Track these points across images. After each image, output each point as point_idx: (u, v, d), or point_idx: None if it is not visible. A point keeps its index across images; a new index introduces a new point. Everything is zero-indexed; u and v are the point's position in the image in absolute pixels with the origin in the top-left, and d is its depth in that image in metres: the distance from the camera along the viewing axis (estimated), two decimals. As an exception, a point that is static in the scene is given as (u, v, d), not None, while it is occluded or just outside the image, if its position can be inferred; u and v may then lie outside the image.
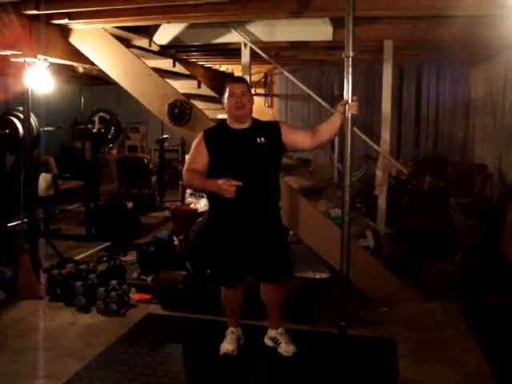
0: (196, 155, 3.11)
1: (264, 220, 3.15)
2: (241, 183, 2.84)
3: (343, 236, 2.97)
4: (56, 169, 8.05)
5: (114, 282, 4.16)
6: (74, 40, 4.58)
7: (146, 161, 8.10)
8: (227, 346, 3.31)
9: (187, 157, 3.26)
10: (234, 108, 3.05)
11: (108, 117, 6.10)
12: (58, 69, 7.28)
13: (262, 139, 3.08)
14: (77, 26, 4.43)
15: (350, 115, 2.91)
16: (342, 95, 2.99)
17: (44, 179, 6.23)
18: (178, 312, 4.00)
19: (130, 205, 6.82)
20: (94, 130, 6.06)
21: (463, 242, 5.32)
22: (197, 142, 3.14)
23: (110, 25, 4.42)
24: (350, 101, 2.90)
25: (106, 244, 5.87)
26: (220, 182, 2.85)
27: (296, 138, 3.16)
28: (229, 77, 8.42)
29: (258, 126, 3.19)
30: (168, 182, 8.87)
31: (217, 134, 3.18)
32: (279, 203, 3.23)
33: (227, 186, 2.83)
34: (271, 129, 3.16)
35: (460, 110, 7.71)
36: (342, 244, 2.97)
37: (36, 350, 3.44)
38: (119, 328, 3.76)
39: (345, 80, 2.90)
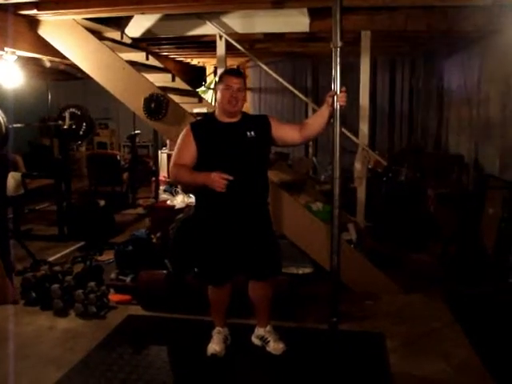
0: (183, 149, 2.98)
1: (254, 215, 3.06)
2: (231, 177, 2.74)
3: (333, 230, 2.90)
4: (24, 167, 7.79)
5: (92, 283, 4.01)
6: (43, 32, 4.39)
7: (118, 157, 7.91)
8: (214, 346, 3.20)
9: (173, 152, 3.09)
10: (227, 102, 2.93)
11: (79, 112, 5.88)
12: (24, 63, 7.05)
13: (252, 133, 2.99)
14: (46, 17, 4.25)
15: (338, 107, 2.84)
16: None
17: (13, 178, 6.02)
18: (160, 312, 3.88)
19: (101, 203, 6.63)
20: (65, 127, 5.85)
21: (442, 233, 5.35)
22: (183, 135, 3.01)
23: (80, 16, 4.26)
24: (338, 92, 2.82)
25: (80, 244, 5.69)
26: (212, 175, 2.76)
27: (285, 133, 3.08)
28: (201, 70, 8.31)
29: (248, 119, 3.10)
30: (140, 178, 8.69)
31: (205, 127, 3.06)
32: (268, 198, 3.14)
33: (218, 179, 2.73)
34: (260, 123, 3.08)
35: (434, 101, 7.74)
36: (332, 238, 2.90)
37: (12, 359, 3.25)
38: (100, 331, 3.62)
39: (333, 71, 2.82)
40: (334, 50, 2.77)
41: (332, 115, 2.87)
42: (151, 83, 4.33)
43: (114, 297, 4.14)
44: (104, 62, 4.32)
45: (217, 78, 3.42)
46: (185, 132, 3.01)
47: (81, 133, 5.83)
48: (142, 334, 3.61)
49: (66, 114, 5.74)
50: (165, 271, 4.02)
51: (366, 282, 4.18)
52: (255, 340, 3.34)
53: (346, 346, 3.21)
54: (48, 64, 6.72)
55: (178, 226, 4.14)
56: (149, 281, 4.01)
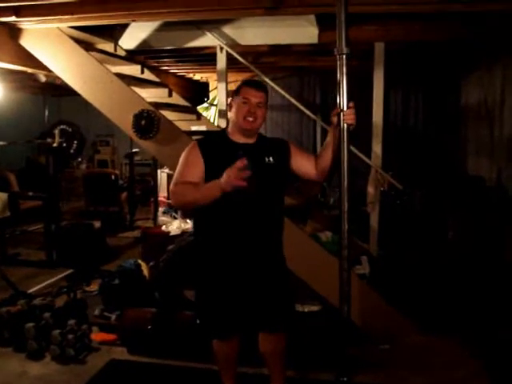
0: (189, 166, 2.43)
1: (269, 255, 2.58)
2: (249, 172, 2.16)
3: (342, 273, 2.43)
4: (17, 185, 7.44)
5: (71, 321, 3.57)
6: (25, 42, 4.00)
7: (113, 177, 7.52)
8: None
9: (175, 173, 2.51)
10: (243, 119, 2.44)
11: (70, 129, 5.49)
12: (18, 77, 6.71)
13: (271, 159, 2.50)
14: (28, 25, 3.86)
15: (345, 126, 2.37)
16: (335, 103, 2.43)
17: (-1, 199, 5.64)
18: (148, 357, 3.43)
19: (97, 224, 6.21)
20: (55, 145, 5.45)
21: (463, 265, 4.86)
22: (189, 153, 2.48)
23: (65, 24, 3.86)
24: (345, 108, 2.35)
25: (68, 272, 5.24)
26: (224, 175, 2.20)
27: (302, 165, 2.60)
28: (204, 86, 7.94)
29: (265, 142, 2.62)
30: (139, 197, 8.28)
31: (215, 146, 2.53)
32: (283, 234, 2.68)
33: (235, 176, 2.16)
34: (280, 148, 2.60)
35: (451, 119, 7.27)
36: (342, 283, 2.43)
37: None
38: (76, 379, 3.18)
39: (339, 83, 2.36)
40: (339, 57, 2.33)
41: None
42: (142, 98, 3.92)
43: (97, 336, 3.71)
44: (90, 74, 3.91)
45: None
46: (190, 149, 2.48)
47: (72, 151, 5.42)
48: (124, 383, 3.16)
49: (56, 131, 5.34)
50: (153, 309, 3.57)
51: (380, 323, 3.70)
52: None
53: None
54: (43, 79, 6.39)
55: (168, 257, 3.70)
56: (135, 319, 3.57)
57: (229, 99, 2.71)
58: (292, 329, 2.76)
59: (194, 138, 3.88)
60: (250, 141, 2.53)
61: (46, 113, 8.32)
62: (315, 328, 3.63)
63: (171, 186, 2.48)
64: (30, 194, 6.62)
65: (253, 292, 2.54)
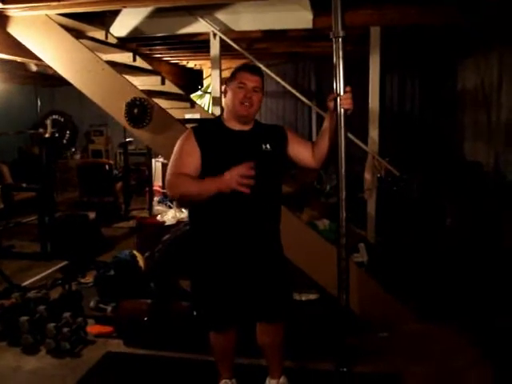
0: (185, 157, 2.36)
1: (266, 244, 2.53)
2: (252, 172, 2.17)
3: (340, 262, 2.39)
4: (10, 177, 7.36)
5: (66, 314, 3.52)
6: (12, 30, 3.89)
7: (107, 167, 7.45)
8: None
9: (170, 162, 2.44)
10: (239, 104, 2.38)
11: (62, 119, 5.40)
12: (7, 68, 6.61)
13: (268, 146, 2.45)
14: (15, 12, 3.76)
15: (342, 111, 2.32)
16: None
17: (-9, 191, 5.57)
18: (144, 349, 3.38)
19: (92, 215, 6.16)
20: (47, 135, 5.35)
21: (461, 251, 4.83)
22: (184, 141, 2.41)
23: (54, 11, 3.77)
24: (341, 93, 2.28)
25: (63, 263, 5.19)
26: (227, 175, 2.19)
27: (299, 153, 2.56)
28: (198, 73, 7.84)
29: (262, 129, 2.56)
30: (134, 187, 8.22)
31: (211, 134, 2.46)
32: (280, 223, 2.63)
33: (239, 178, 2.16)
34: (277, 135, 2.55)
35: (448, 104, 7.21)
36: (340, 271, 2.39)
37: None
38: (72, 373, 3.13)
39: (335, 67, 2.30)
40: (335, 41, 2.26)
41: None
42: (134, 86, 3.84)
43: (93, 328, 3.66)
44: (81, 62, 3.82)
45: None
46: (185, 137, 2.42)
47: (64, 141, 5.33)
48: (120, 376, 3.12)
49: (48, 122, 5.25)
50: (149, 300, 3.52)
51: (378, 311, 3.66)
52: None
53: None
54: (34, 68, 6.28)
55: (164, 248, 3.65)
56: (131, 311, 3.51)
57: (223, 87, 2.66)
58: (290, 318, 2.73)
59: (189, 125, 3.83)
60: (246, 127, 2.48)
61: (39, 103, 8.20)
62: (313, 317, 3.60)
63: (167, 175, 2.43)
64: (24, 185, 6.56)
65: (250, 282, 2.49)
